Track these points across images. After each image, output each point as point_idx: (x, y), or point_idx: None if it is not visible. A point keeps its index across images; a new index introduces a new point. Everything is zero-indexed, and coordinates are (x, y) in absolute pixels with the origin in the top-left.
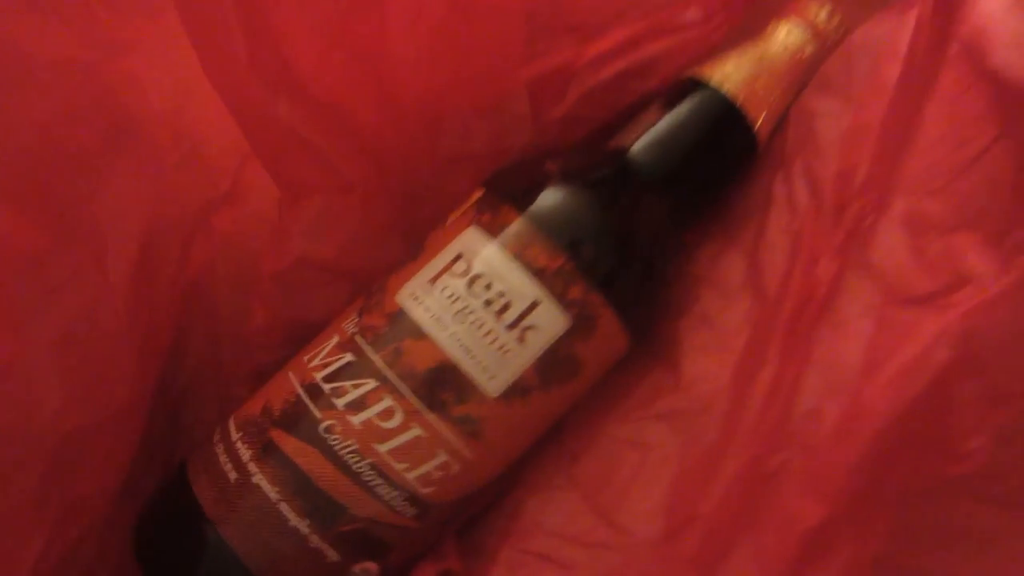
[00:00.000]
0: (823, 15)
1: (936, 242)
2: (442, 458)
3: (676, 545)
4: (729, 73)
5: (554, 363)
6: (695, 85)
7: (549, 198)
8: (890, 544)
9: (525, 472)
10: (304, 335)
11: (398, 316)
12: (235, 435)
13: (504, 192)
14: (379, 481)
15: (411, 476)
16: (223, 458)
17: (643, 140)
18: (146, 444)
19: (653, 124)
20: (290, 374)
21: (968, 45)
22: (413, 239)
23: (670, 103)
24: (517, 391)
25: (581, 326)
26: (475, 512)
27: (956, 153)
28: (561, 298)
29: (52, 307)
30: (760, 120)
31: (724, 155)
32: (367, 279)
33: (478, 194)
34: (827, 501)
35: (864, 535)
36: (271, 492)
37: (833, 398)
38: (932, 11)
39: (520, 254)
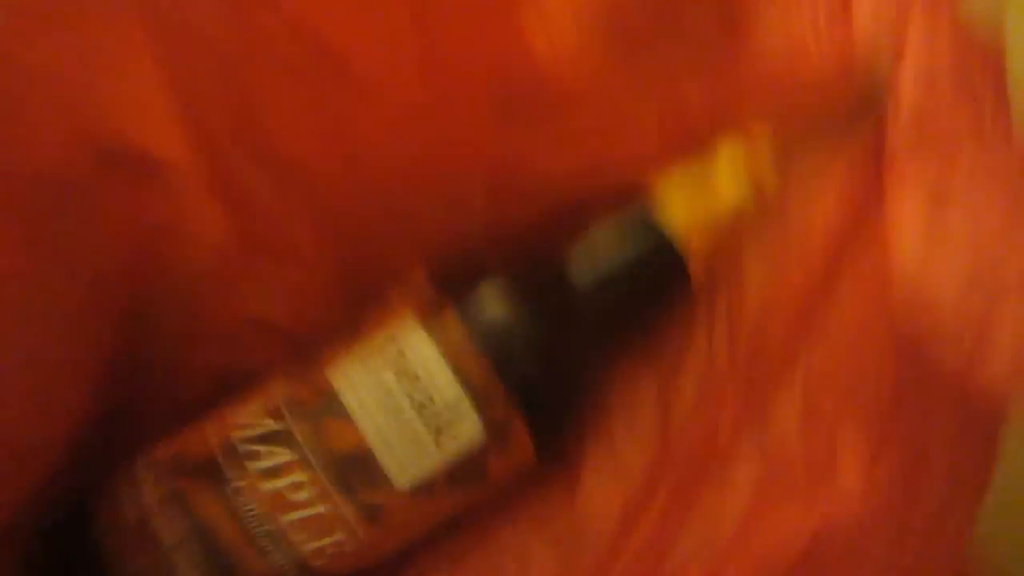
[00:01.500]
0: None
1: (823, 435)
2: (338, 536)
3: None
4: (677, 211)
5: (464, 469)
6: (643, 219)
7: (491, 308)
8: None
9: (407, 564)
10: (233, 381)
11: (326, 393)
12: (141, 475)
13: (448, 287)
14: (273, 548)
15: (306, 548)
16: (125, 496)
17: (586, 267)
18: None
19: (597, 253)
20: (208, 429)
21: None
22: (351, 309)
23: (617, 235)
24: (424, 488)
25: (497, 440)
26: None
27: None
28: (484, 412)
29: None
30: (699, 258)
31: (659, 293)
32: (307, 340)
33: (420, 278)
34: None
35: None
36: (167, 538)
37: (699, 563)
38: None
39: (455, 361)
